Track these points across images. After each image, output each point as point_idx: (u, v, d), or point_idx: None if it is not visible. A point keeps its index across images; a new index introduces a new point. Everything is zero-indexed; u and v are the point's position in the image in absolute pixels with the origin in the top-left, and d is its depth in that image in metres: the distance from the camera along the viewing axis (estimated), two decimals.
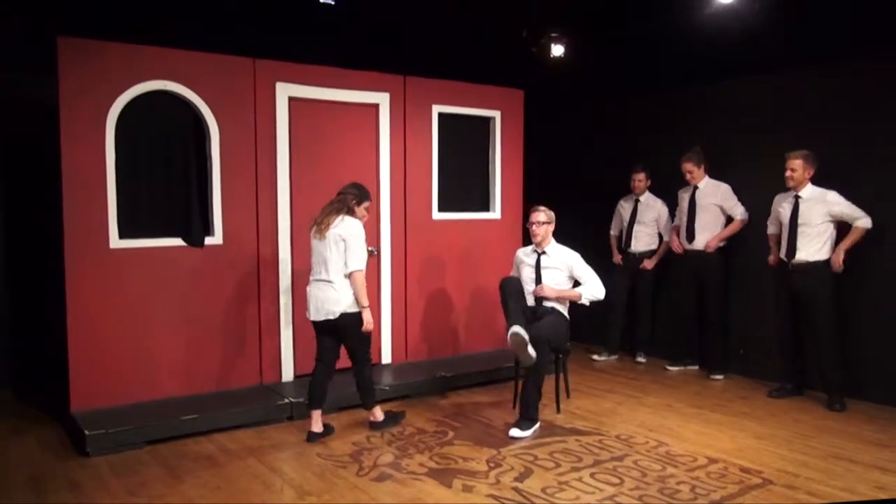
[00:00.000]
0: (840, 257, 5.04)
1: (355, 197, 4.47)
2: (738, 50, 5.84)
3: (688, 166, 5.98)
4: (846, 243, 5.04)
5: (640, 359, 6.63)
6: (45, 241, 5.07)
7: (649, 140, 6.73)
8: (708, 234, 5.95)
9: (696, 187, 6.01)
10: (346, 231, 4.33)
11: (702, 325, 6.13)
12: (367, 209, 4.56)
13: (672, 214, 6.41)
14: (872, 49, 5.15)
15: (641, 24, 6.45)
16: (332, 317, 4.37)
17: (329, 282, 4.37)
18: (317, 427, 4.54)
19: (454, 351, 6.32)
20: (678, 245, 6.23)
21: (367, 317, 4.41)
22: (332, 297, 4.36)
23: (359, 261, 4.34)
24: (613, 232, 6.82)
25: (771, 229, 5.53)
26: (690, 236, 6.02)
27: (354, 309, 4.39)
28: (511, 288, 4.79)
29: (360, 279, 4.35)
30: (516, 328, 4.47)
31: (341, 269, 4.35)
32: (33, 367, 5.70)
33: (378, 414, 4.70)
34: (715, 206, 5.94)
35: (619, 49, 6.80)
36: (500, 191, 6.52)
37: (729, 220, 5.98)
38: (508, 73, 6.61)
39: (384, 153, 5.82)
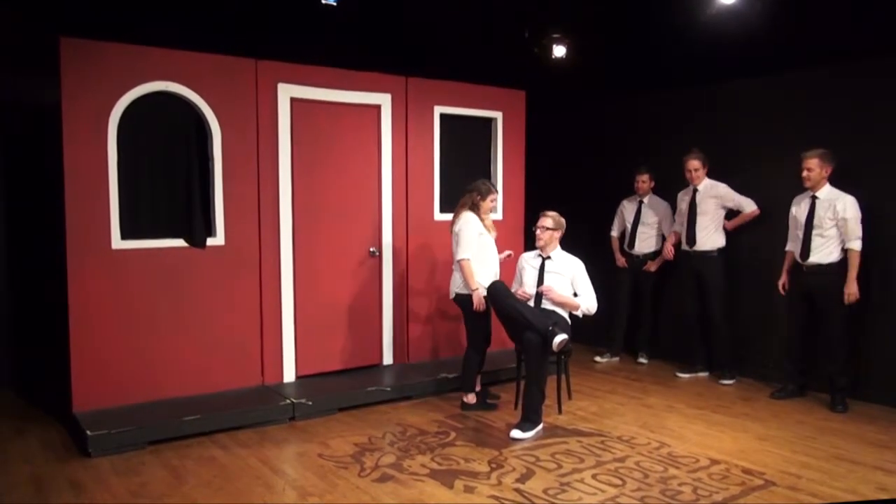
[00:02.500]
0: (853, 287, 4.97)
1: (479, 192, 5.03)
2: (740, 50, 5.83)
3: (695, 164, 5.90)
4: (853, 273, 4.97)
5: (642, 360, 6.62)
6: (47, 242, 5.08)
7: (651, 140, 6.73)
8: (708, 236, 5.92)
9: (695, 189, 5.98)
10: (459, 225, 5.01)
11: (705, 327, 6.11)
12: (493, 201, 5.08)
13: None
14: (873, 48, 5.14)
15: (643, 24, 6.45)
16: (452, 297, 5.15)
17: (454, 268, 5.09)
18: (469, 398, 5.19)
19: (456, 352, 6.30)
20: (670, 251, 6.23)
21: (477, 298, 4.93)
22: (453, 280, 5.12)
23: (464, 251, 4.94)
24: (614, 233, 6.81)
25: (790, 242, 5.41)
26: (691, 240, 5.98)
27: (466, 290, 4.99)
28: (505, 290, 4.80)
29: (466, 266, 4.94)
30: (563, 335, 4.57)
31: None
32: (35, 367, 5.71)
33: (470, 398, 5.17)
34: (714, 208, 5.91)
35: (621, 49, 6.80)
36: (501, 192, 6.52)
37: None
38: (510, 74, 6.60)
39: (386, 154, 5.82)
